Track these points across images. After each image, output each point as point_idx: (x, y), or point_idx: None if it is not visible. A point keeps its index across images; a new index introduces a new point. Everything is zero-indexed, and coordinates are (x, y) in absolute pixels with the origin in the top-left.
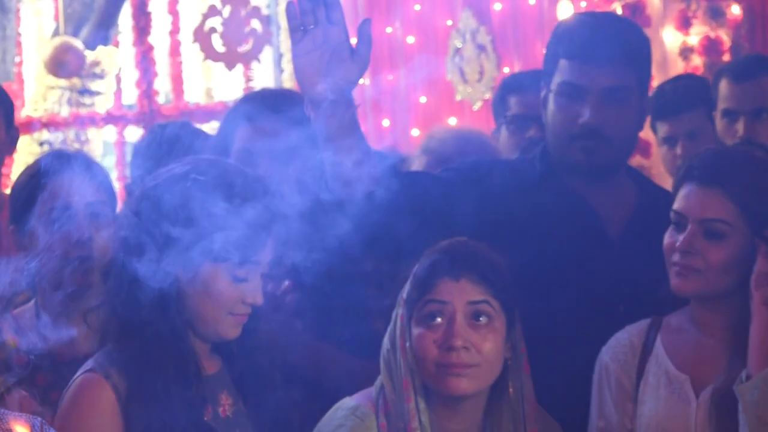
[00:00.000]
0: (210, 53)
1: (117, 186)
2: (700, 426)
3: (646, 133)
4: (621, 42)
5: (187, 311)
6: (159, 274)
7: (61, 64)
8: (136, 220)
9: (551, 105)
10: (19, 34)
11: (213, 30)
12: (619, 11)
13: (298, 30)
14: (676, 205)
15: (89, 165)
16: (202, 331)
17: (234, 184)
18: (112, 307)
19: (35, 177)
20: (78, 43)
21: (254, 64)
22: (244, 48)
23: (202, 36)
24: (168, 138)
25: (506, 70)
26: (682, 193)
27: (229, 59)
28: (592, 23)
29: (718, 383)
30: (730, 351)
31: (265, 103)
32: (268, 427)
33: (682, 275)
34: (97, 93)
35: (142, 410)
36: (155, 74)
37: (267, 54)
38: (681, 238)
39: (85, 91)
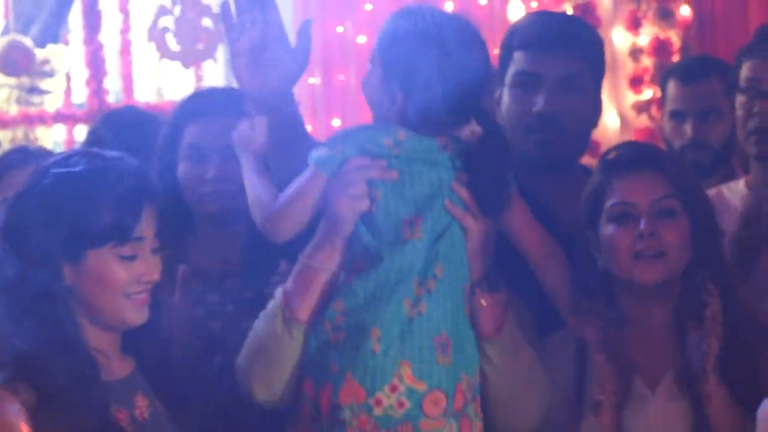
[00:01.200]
0: (165, 52)
1: None
2: (662, 420)
3: (594, 134)
4: (575, 34)
5: (83, 307)
6: (42, 275)
7: (10, 62)
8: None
9: (506, 98)
10: None
11: (166, 29)
12: (570, 11)
13: (234, 30)
14: (617, 198)
15: (44, 158)
16: (105, 321)
17: (102, 169)
18: None
19: None
20: (27, 41)
21: (205, 63)
22: (199, 46)
23: (156, 35)
24: (110, 130)
25: None
26: (619, 184)
27: (186, 58)
28: (546, 17)
29: (675, 373)
30: (674, 341)
31: (215, 101)
32: (189, 427)
33: (648, 263)
34: (47, 91)
35: (50, 424)
36: (105, 73)
37: (218, 53)
38: (641, 225)
39: (34, 90)
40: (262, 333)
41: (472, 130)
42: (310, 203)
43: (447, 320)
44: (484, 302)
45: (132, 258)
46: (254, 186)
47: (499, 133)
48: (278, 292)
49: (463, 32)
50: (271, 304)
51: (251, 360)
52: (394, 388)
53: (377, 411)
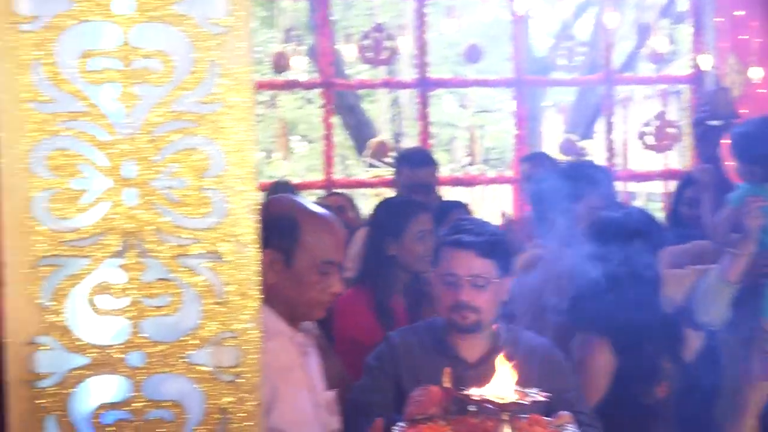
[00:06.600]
0: (647, 146)
1: None
2: None
3: None
4: None
5: None
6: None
7: (564, 148)
8: None
9: None
10: None
11: (645, 133)
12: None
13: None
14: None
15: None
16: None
17: None
18: None
19: None
20: (574, 137)
21: (669, 152)
22: (665, 143)
23: (641, 135)
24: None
25: None
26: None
27: (658, 149)
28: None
29: None
30: None
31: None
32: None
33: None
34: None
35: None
36: (615, 153)
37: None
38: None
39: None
40: (709, 287)
41: None
42: (725, 217)
43: None
44: None
45: None
46: (708, 206)
47: None
48: (718, 266)
49: None
50: (713, 273)
51: (700, 301)
52: None
53: None
